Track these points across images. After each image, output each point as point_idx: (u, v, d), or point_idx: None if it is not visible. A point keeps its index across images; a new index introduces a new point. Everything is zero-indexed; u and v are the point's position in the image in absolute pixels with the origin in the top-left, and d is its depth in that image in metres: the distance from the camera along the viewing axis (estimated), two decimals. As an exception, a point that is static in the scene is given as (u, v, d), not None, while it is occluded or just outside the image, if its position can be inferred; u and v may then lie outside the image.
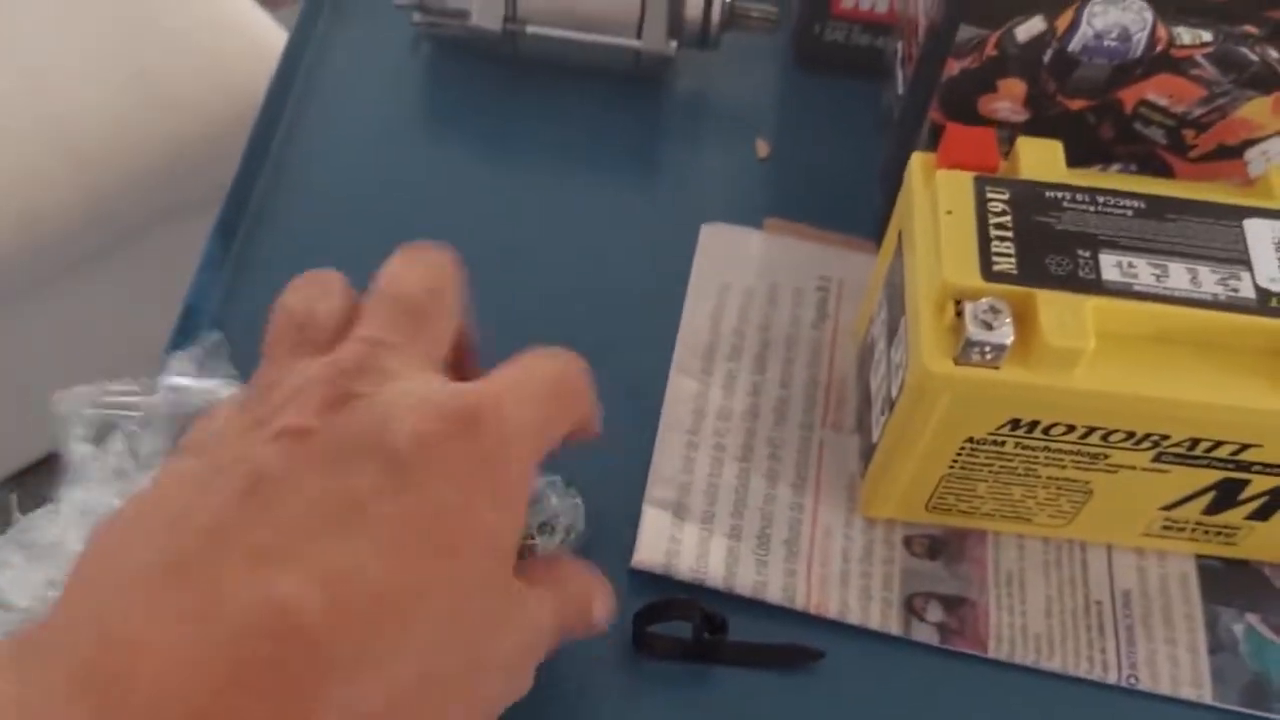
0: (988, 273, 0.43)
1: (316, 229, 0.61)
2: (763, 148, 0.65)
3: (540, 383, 0.39)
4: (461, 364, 0.43)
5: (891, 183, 0.58)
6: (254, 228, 0.60)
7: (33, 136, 1.24)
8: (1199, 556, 0.51)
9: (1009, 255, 0.43)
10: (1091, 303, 0.42)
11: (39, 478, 1.44)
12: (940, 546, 0.51)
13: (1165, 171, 0.54)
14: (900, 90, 0.58)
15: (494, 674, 0.36)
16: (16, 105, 1.25)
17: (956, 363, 0.43)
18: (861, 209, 0.62)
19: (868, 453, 0.51)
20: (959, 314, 0.43)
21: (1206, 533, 0.50)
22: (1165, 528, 0.50)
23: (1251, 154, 0.52)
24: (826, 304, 0.58)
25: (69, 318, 1.38)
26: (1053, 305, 0.42)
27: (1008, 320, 0.42)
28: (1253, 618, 0.50)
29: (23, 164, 1.23)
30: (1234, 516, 0.49)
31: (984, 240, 0.44)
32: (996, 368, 0.42)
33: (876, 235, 0.60)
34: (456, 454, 0.34)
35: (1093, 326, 0.42)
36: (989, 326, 0.42)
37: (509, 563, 0.36)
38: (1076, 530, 0.51)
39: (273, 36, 1.37)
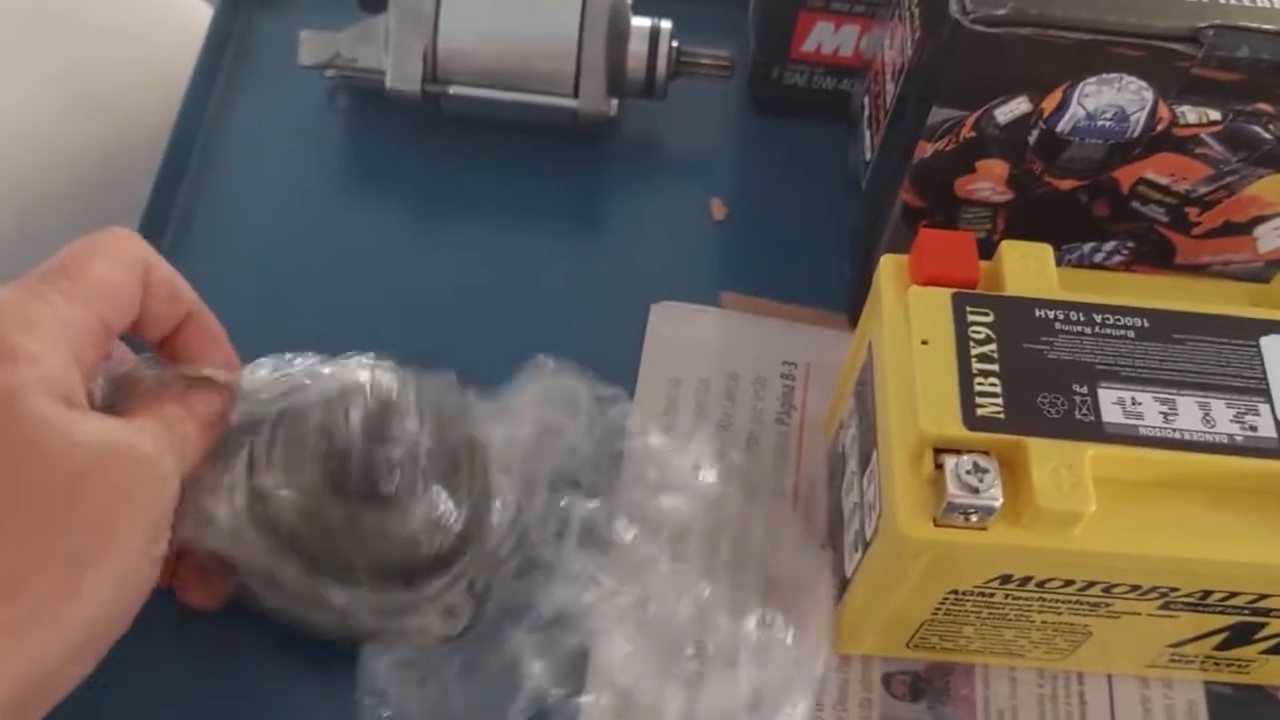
0: (971, 419, 0.37)
1: (224, 295, 0.54)
2: (718, 209, 0.59)
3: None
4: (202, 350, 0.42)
5: (861, 254, 0.52)
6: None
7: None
8: (1208, 682, 0.46)
9: (995, 395, 0.38)
10: (1091, 451, 0.37)
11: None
12: (923, 686, 0.46)
13: (1166, 249, 0.48)
14: (867, 155, 0.52)
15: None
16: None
17: (937, 524, 0.37)
18: (829, 276, 0.56)
19: (841, 578, 0.46)
20: (939, 466, 0.37)
21: (1217, 664, 0.45)
22: (1172, 661, 0.45)
23: (1262, 230, 0.47)
24: (792, 394, 0.53)
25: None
26: (1047, 457, 0.36)
27: (995, 481, 0.36)
28: (1268, 755, 0.45)
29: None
30: (1249, 651, 0.44)
31: (965, 377, 0.38)
32: (984, 529, 0.37)
33: (846, 308, 0.55)
34: None
35: (1093, 479, 0.36)
36: (974, 489, 0.36)
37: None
38: (1074, 664, 0.46)
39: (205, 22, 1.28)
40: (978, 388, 0.38)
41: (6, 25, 1.22)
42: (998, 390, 0.38)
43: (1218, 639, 0.43)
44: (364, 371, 0.43)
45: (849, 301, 0.54)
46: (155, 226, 0.55)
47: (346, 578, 0.42)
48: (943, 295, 0.40)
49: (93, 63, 1.19)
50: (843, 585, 0.45)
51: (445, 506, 0.42)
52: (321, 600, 0.42)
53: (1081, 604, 0.41)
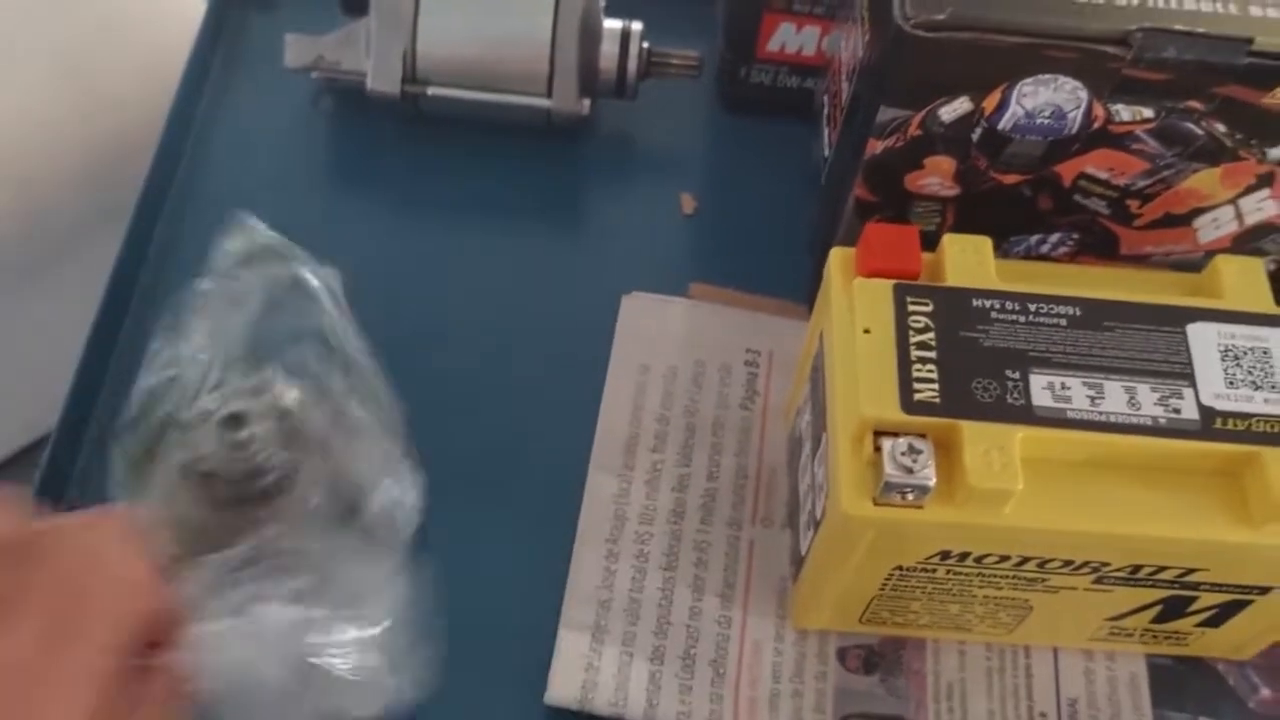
0: (908, 403, 0.39)
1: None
2: (688, 202, 0.61)
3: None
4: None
5: (820, 247, 0.54)
6: (143, 305, 0.56)
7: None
8: (1150, 655, 0.48)
9: (931, 381, 0.40)
10: (1021, 433, 0.39)
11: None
12: (876, 660, 0.48)
13: (1110, 240, 0.50)
14: (826, 151, 0.54)
15: None
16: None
17: (876, 503, 0.39)
18: (793, 267, 0.58)
19: (798, 558, 0.48)
20: (878, 448, 0.39)
21: (1155, 637, 0.47)
22: (1112, 634, 0.47)
23: (1201, 221, 0.49)
24: (756, 381, 0.55)
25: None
26: (979, 439, 0.39)
27: (929, 461, 0.38)
28: (1206, 723, 0.47)
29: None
30: (1184, 624, 0.46)
31: (904, 364, 0.40)
32: (920, 507, 0.39)
33: (808, 299, 0.57)
34: None
35: (1022, 460, 0.38)
36: (908, 469, 0.38)
37: None
38: (1019, 638, 0.48)
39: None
40: (915, 374, 0.40)
41: (3, 12, 1.23)
42: (934, 376, 0.40)
43: (1153, 612, 0.45)
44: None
45: (809, 292, 0.56)
46: (147, 219, 0.57)
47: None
48: (885, 286, 0.42)
49: (89, 51, 1.20)
50: (799, 563, 0.47)
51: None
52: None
53: (1019, 579, 0.43)
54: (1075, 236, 0.50)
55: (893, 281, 0.42)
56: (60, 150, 1.21)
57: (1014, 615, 0.46)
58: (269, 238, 0.47)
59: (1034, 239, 0.50)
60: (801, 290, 0.57)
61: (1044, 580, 0.43)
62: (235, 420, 0.44)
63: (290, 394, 0.45)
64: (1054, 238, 0.50)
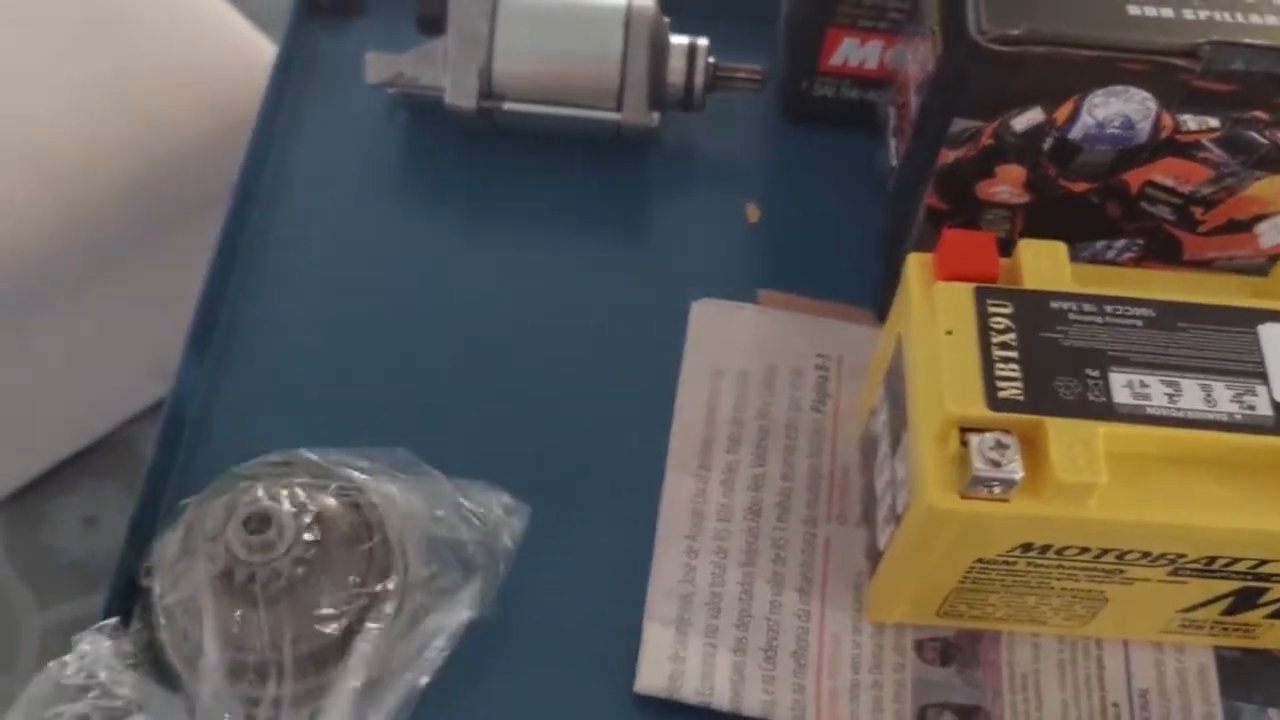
0: (993, 400, 0.41)
1: (295, 307, 0.59)
2: (753, 212, 0.63)
3: None
4: None
5: (889, 254, 0.56)
6: (233, 315, 0.58)
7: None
8: (1218, 647, 0.50)
9: (1014, 379, 0.42)
10: (1103, 429, 0.41)
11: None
12: (953, 651, 0.50)
13: (1174, 246, 0.52)
14: (893, 161, 0.56)
15: None
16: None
17: (963, 496, 0.41)
18: (858, 274, 0.60)
19: (874, 552, 0.50)
20: (964, 443, 0.41)
21: (1225, 629, 0.48)
22: (1183, 626, 0.48)
23: (1263, 227, 0.50)
24: (826, 384, 0.57)
25: (68, 336, 1.35)
26: (1063, 435, 0.40)
27: (1016, 456, 0.40)
28: (1275, 713, 0.48)
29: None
30: (1254, 616, 0.47)
31: (987, 363, 0.42)
32: (1005, 500, 0.41)
33: (875, 304, 0.59)
34: None
35: (1105, 455, 0.40)
36: (996, 464, 0.40)
37: None
38: (1092, 630, 0.49)
39: (252, 40, 1.29)
40: (998, 373, 0.42)
41: (54, 26, 1.25)
42: (1017, 375, 0.42)
43: (1224, 604, 0.46)
44: (257, 488, 0.46)
45: (876, 297, 0.58)
46: (235, 230, 0.59)
47: (266, 671, 0.45)
48: (965, 290, 0.44)
49: (135, 70, 1.22)
50: (876, 559, 0.49)
51: (333, 597, 0.46)
52: (251, 699, 0.45)
53: (1097, 571, 0.44)
54: (1140, 242, 0.52)
55: (973, 285, 0.44)
56: (102, 161, 1.22)
57: (1089, 608, 0.47)
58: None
59: (1100, 245, 0.52)
60: (866, 295, 0.59)
61: (1121, 572, 0.44)
62: (261, 519, 0.45)
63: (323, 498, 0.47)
64: (1119, 243, 0.52)
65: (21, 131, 1.19)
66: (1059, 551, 0.43)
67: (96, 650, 0.45)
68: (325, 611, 0.45)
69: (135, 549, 0.49)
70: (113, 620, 0.46)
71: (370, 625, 0.45)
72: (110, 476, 1.45)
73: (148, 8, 1.26)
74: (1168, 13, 0.44)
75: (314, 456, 0.49)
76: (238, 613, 0.45)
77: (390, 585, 0.46)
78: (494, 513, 0.49)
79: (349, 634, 0.45)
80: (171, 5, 1.27)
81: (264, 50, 1.21)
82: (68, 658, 0.44)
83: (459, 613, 0.47)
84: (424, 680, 0.46)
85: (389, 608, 0.46)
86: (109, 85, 1.21)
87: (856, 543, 0.52)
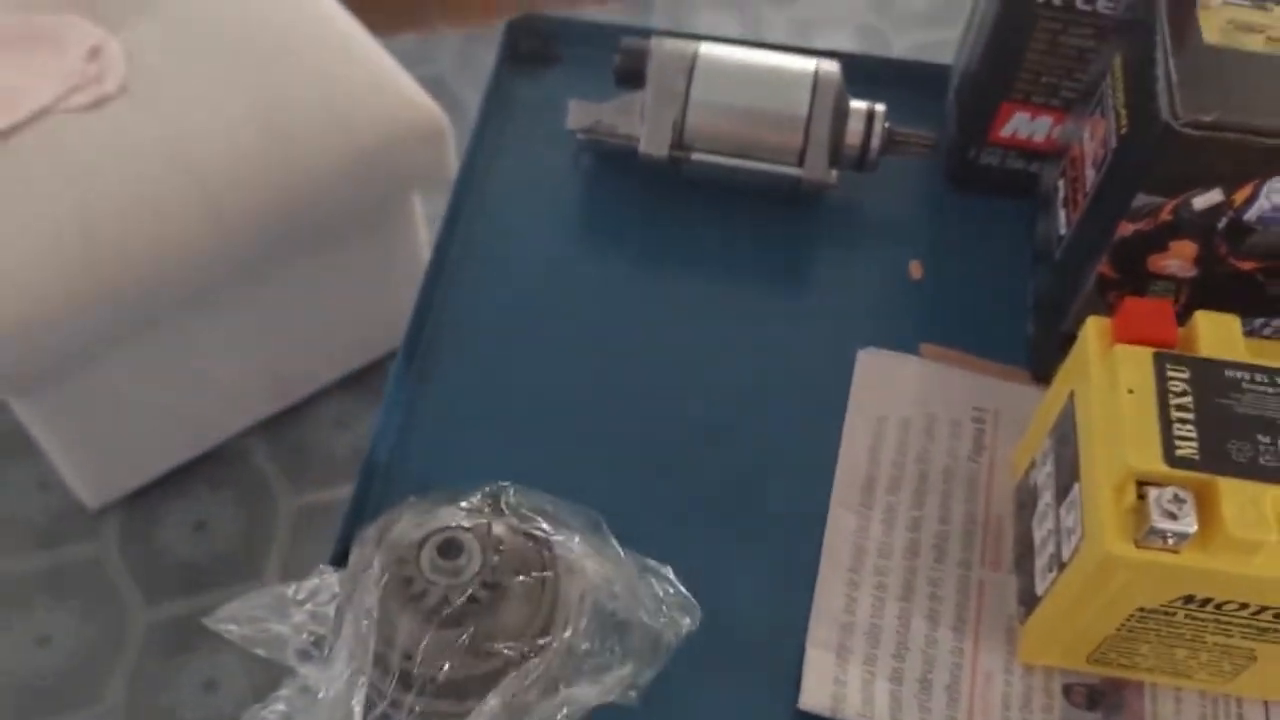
0: (1170, 457, 0.44)
1: (486, 352, 0.63)
2: (917, 269, 0.66)
3: None
4: None
5: (1046, 316, 0.59)
6: (428, 362, 0.63)
7: (152, 156, 1.24)
8: (1359, 714, 0.52)
9: (1190, 439, 0.45)
10: (1273, 492, 0.43)
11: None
12: (1099, 697, 0.52)
13: (1333, 327, 0.54)
14: (1062, 230, 0.59)
15: None
16: (144, 132, 1.25)
17: (1137, 545, 0.44)
18: (1012, 335, 0.63)
19: (1027, 598, 0.52)
20: (1141, 496, 0.44)
21: (1370, 696, 0.50)
22: (1328, 690, 0.51)
23: None
24: (983, 436, 0.60)
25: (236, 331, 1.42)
26: (1235, 494, 0.43)
27: (1191, 510, 0.43)
28: None
29: (148, 190, 1.23)
30: (1400, 685, 0.49)
31: (1166, 422, 0.45)
32: (1177, 552, 0.44)
33: (1029, 364, 0.62)
34: None
35: (1275, 517, 0.43)
36: (1173, 516, 0.43)
37: None
38: (1234, 688, 0.51)
39: (391, 72, 1.34)
40: (1176, 432, 0.45)
41: (220, 52, 1.33)
42: (1193, 435, 0.45)
43: (1372, 670, 0.48)
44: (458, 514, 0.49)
45: (1032, 357, 0.62)
46: (442, 258, 0.64)
47: (411, 683, 0.47)
48: (1145, 354, 0.47)
49: (285, 100, 1.29)
50: (1030, 603, 0.52)
51: (498, 638, 0.48)
52: (385, 695, 0.47)
53: (1251, 628, 0.47)
54: (1299, 321, 0.55)
55: (1152, 349, 0.47)
56: (254, 180, 1.28)
57: (1235, 665, 0.50)
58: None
59: (1258, 321, 0.55)
60: (1019, 354, 0.62)
61: (1275, 630, 0.47)
62: (455, 546, 0.48)
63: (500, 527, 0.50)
64: (1277, 322, 0.55)
65: (182, 145, 1.26)
66: (1218, 606, 0.46)
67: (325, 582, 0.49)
68: (487, 647, 0.47)
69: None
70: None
71: (515, 675, 0.47)
72: (222, 485, 1.51)
73: (304, 44, 1.33)
74: (1351, 108, 0.47)
75: (513, 498, 0.51)
76: (408, 622, 0.47)
77: (551, 643, 0.48)
78: (668, 605, 0.50)
79: (497, 675, 0.47)
80: (323, 41, 1.34)
81: (399, 91, 1.28)
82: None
83: (602, 693, 0.48)
84: None
85: (540, 663, 0.48)
86: (261, 111, 1.28)
87: (1008, 588, 0.55)
